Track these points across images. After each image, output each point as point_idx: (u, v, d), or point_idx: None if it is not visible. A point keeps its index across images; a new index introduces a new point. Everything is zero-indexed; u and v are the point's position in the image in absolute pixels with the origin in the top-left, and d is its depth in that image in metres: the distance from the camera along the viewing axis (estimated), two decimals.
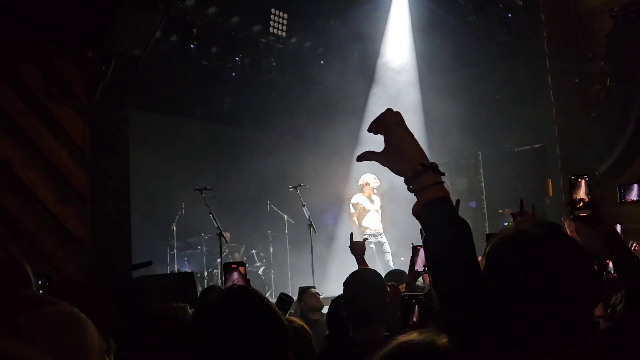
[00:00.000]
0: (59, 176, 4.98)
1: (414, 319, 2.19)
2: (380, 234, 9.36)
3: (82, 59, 5.13)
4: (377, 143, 1.48)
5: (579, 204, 2.47)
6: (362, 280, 3.02)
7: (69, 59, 5.09)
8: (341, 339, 3.03)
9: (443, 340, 1.07)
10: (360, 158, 1.49)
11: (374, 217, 9.41)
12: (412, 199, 1.38)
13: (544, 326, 1.26)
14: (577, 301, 1.28)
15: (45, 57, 4.96)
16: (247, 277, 2.58)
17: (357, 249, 4.05)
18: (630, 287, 2.14)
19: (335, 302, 3.59)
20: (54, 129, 4.96)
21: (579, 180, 2.50)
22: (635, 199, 2.87)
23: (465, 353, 1.06)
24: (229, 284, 2.47)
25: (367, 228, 9.29)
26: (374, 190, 9.42)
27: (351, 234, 4.49)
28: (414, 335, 1.11)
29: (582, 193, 2.48)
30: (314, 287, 6.20)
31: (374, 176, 9.38)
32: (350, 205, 9.50)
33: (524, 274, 1.28)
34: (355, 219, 9.39)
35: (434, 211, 1.33)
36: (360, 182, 9.46)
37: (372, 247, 8.90)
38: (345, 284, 3.07)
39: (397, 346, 1.09)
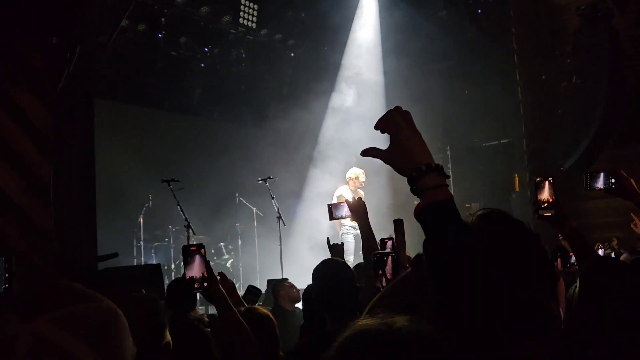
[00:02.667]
0: (22, 165, 4.84)
1: (389, 275, 2.23)
2: None
3: (47, 45, 4.98)
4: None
5: (543, 205, 2.58)
6: (328, 273, 3.00)
7: (33, 45, 4.94)
8: (317, 329, 3.02)
9: (400, 323, 1.05)
10: (365, 153, 1.44)
11: None
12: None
13: (501, 319, 1.25)
14: (532, 290, 1.28)
15: (8, 43, 4.80)
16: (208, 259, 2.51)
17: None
18: (582, 271, 2.19)
19: (308, 291, 3.56)
20: (17, 117, 4.81)
21: (544, 182, 2.61)
22: (601, 187, 2.95)
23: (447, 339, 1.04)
24: (191, 267, 2.42)
25: (346, 219, 9.18)
26: (362, 184, 9.32)
27: (327, 238, 4.36)
28: (369, 320, 1.09)
29: (546, 194, 2.59)
30: (288, 279, 6.17)
31: (363, 171, 9.27)
32: (334, 198, 9.38)
33: (476, 266, 1.26)
34: None
35: (436, 214, 1.30)
36: (347, 175, 9.28)
37: (352, 241, 8.82)
38: (313, 277, 3.05)
39: (352, 333, 1.07)
